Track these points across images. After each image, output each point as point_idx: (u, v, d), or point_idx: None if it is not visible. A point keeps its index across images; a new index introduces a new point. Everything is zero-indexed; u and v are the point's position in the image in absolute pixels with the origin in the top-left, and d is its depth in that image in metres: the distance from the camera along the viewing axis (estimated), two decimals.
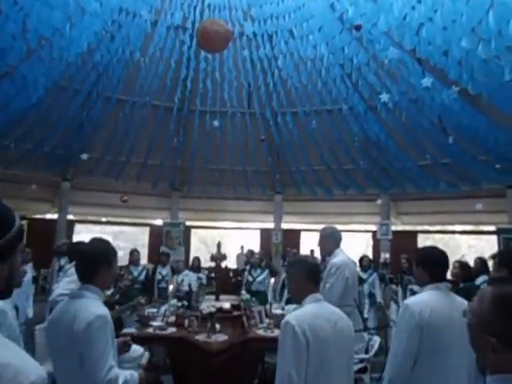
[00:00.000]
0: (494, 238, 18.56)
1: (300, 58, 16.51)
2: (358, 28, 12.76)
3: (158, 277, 12.83)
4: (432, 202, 19.93)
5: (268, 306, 8.59)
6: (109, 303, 5.35)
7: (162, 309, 8.24)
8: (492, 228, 19.19)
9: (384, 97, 15.16)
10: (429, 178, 18.46)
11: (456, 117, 14.78)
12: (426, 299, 3.82)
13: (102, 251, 3.79)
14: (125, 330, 6.60)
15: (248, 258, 14.29)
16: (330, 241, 6.61)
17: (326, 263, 6.66)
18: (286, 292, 12.54)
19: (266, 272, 12.54)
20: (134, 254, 12.06)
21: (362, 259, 13.51)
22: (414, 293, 9.62)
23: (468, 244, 21.95)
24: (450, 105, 14.26)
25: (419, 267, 4.00)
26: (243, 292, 9.31)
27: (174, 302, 8.34)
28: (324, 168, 20.16)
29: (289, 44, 16.35)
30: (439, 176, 18.09)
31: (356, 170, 19.67)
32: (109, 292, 6.44)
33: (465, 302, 3.72)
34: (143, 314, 7.64)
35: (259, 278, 12.13)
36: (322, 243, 6.69)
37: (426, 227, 22.49)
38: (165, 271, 12.97)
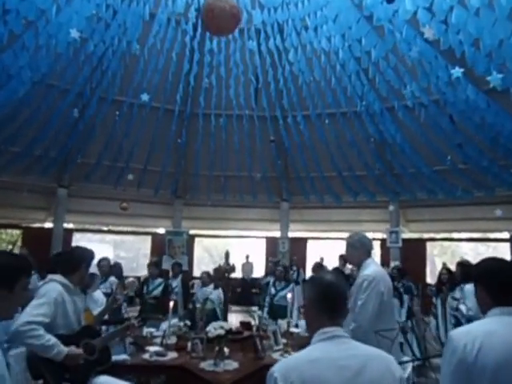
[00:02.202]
0: (503, 245, 18.37)
1: (313, 51, 14.90)
2: (390, 1, 10.89)
3: (169, 289, 11.14)
4: (441, 208, 18.85)
5: (284, 324, 7.53)
6: (96, 323, 5.36)
7: (163, 326, 7.29)
8: (502, 235, 18.90)
9: (408, 92, 13.99)
10: (443, 184, 17.19)
11: (479, 116, 13.66)
12: (477, 330, 2.75)
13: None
14: (115, 357, 5.40)
15: (272, 269, 12.99)
16: (360, 249, 5.51)
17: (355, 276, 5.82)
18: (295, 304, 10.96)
19: (292, 285, 10.79)
20: (149, 268, 10.77)
21: (391, 270, 12.15)
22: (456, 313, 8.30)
23: (476, 252, 20.46)
24: (474, 103, 13.12)
25: (479, 286, 2.96)
26: (254, 308, 8.73)
27: (175, 321, 7.43)
28: (335, 174, 18.85)
29: (301, 35, 14.69)
30: (454, 182, 16.89)
31: (368, 175, 18.45)
32: (99, 309, 6.04)
33: None
34: (139, 335, 6.69)
35: (283, 292, 10.34)
36: (349, 253, 5.67)
37: (433, 235, 21.21)
38: (175, 283, 11.36)
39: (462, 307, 7.74)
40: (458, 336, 2.75)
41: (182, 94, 16.81)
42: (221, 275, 11.47)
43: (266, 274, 13.46)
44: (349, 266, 12.28)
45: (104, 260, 9.33)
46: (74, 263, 4.70)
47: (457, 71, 11.97)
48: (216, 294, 9.84)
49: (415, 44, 12.26)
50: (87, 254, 4.92)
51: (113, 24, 13.82)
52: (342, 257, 13.31)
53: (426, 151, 16.17)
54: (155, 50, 15.10)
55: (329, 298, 2.67)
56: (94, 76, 15.30)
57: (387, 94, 14.78)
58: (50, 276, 4.57)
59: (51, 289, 4.50)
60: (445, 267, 11.20)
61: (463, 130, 14.68)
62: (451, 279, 9.15)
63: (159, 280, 10.50)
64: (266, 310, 9.76)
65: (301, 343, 5.87)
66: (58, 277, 4.54)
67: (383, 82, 14.44)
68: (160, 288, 10.34)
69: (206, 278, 10.45)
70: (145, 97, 15.39)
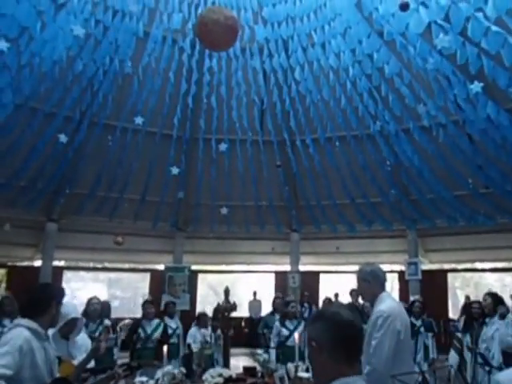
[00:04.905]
0: None
1: (320, 69, 14.97)
2: (404, 7, 10.72)
3: (169, 331, 10.83)
4: (463, 236, 18.56)
5: (292, 368, 6.71)
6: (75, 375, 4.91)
7: (158, 374, 6.64)
8: None
9: (421, 109, 13.85)
10: (464, 210, 17.08)
11: (500, 135, 13.67)
12: None
13: None
14: None
15: (280, 306, 12.25)
16: (372, 282, 5.21)
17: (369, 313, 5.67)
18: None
19: (303, 324, 10.27)
20: (145, 307, 10.37)
21: (412, 304, 11.65)
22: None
23: (502, 283, 20.20)
24: (495, 121, 13.12)
25: None
26: (259, 351, 7.97)
27: (169, 368, 6.74)
28: (347, 202, 18.75)
29: (307, 51, 14.75)
30: (476, 207, 16.73)
31: (383, 202, 18.39)
32: (80, 357, 5.44)
33: None
34: None
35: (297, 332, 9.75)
36: (361, 287, 5.37)
37: (454, 265, 20.90)
38: (174, 324, 11.16)
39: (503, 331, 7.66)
40: (507, 380, 2.63)
41: (180, 116, 16.65)
42: (220, 315, 11.24)
43: (273, 312, 13.19)
44: (361, 302, 11.97)
45: (94, 299, 9.06)
46: (43, 303, 4.31)
47: (476, 86, 11.94)
48: (214, 337, 9.77)
49: (430, 58, 12.29)
50: (56, 291, 4.61)
51: (103, 41, 13.80)
52: (353, 291, 13.08)
53: (445, 175, 16.12)
54: (150, 69, 15.12)
55: (348, 341, 2.40)
56: (83, 98, 15.23)
57: (401, 113, 14.78)
58: (15, 321, 4.27)
59: (16, 335, 4.14)
60: (476, 300, 11.03)
61: (484, 150, 14.68)
62: (483, 313, 8.90)
63: (156, 321, 10.27)
64: (272, 352, 9.37)
65: None
66: (25, 321, 4.17)
67: (397, 101, 14.43)
68: (160, 329, 10.10)
69: (204, 319, 10.30)
70: (138, 120, 15.32)
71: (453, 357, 10.01)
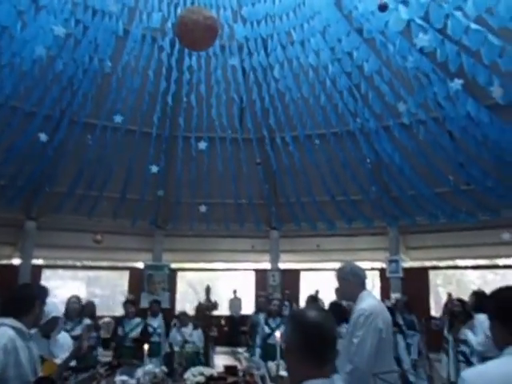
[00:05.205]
0: None
1: (300, 67, 15.12)
2: (382, 8, 10.78)
3: (149, 330, 10.83)
4: (444, 233, 18.65)
5: (274, 366, 6.82)
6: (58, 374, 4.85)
7: (139, 373, 6.60)
8: (511, 261, 18.44)
9: (401, 106, 13.88)
10: (445, 207, 17.19)
11: (481, 132, 13.83)
12: (493, 371, 2.58)
13: None
14: None
15: (264, 305, 12.38)
16: (352, 281, 5.25)
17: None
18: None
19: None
20: (125, 306, 10.68)
21: (396, 302, 12.00)
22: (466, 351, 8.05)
23: (484, 280, 20.27)
24: (475, 118, 13.23)
25: (496, 321, 2.78)
26: (240, 350, 8.50)
27: (150, 367, 6.76)
28: (327, 199, 18.80)
29: (287, 50, 14.93)
30: (457, 204, 16.87)
31: (364, 199, 18.49)
32: (62, 356, 5.39)
33: None
34: None
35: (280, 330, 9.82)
36: (342, 286, 5.39)
37: (436, 263, 20.77)
38: (156, 323, 11.07)
39: (472, 338, 7.50)
40: (472, 378, 2.60)
41: (160, 115, 16.79)
42: (201, 314, 11.22)
43: (257, 311, 13.20)
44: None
45: (73, 298, 8.90)
46: (27, 303, 4.25)
47: (456, 83, 12.08)
48: (197, 336, 9.74)
49: (410, 56, 12.40)
50: (40, 291, 4.63)
51: (83, 41, 13.86)
52: (337, 290, 12.98)
53: (426, 172, 16.24)
54: (130, 68, 15.20)
55: (316, 343, 2.37)
56: (63, 97, 15.25)
57: (381, 111, 14.88)
58: None
59: (0, 335, 4.08)
60: (457, 298, 11.04)
61: (465, 148, 14.81)
62: (465, 312, 8.80)
63: (137, 320, 10.33)
64: (257, 351, 9.43)
65: None
66: (9, 320, 4.09)
67: (377, 98, 14.56)
68: (139, 329, 10.16)
69: (185, 318, 10.32)
70: (118, 118, 15.35)
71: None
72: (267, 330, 9.98)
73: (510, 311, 2.70)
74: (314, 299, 11.63)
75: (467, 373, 2.66)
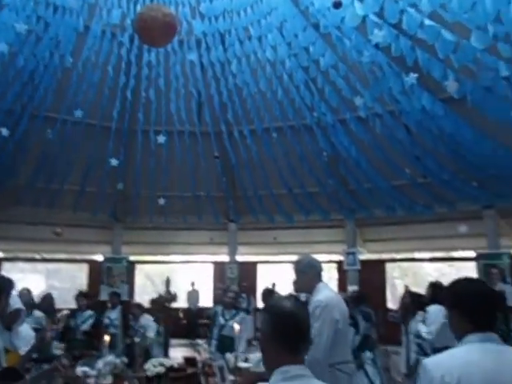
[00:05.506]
0: (468, 264, 18.26)
1: (257, 62, 15.36)
2: (337, 5, 11.08)
3: (106, 321, 11.06)
4: (401, 226, 18.82)
5: (232, 358, 7.01)
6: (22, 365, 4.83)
7: (99, 364, 6.53)
8: (467, 254, 18.80)
9: (358, 100, 14.06)
10: (402, 200, 17.40)
11: (437, 126, 14.12)
12: (454, 359, 2.77)
13: None
14: None
15: (220, 297, 12.62)
16: (310, 274, 5.40)
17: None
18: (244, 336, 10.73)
19: (241, 314, 10.46)
20: (78, 299, 10.79)
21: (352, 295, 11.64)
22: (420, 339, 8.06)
23: (440, 272, 20.28)
24: (431, 112, 13.48)
25: (455, 311, 2.94)
26: (200, 342, 7.70)
27: (110, 358, 6.68)
28: (284, 192, 18.92)
29: (244, 45, 15.19)
30: (414, 197, 17.17)
31: (321, 192, 18.56)
32: (24, 348, 5.31)
33: None
34: (72, 376, 6.05)
35: (232, 322, 9.87)
36: (299, 279, 5.53)
37: (393, 255, 20.96)
38: (114, 315, 11.20)
39: (423, 329, 7.63)
40: (434, 366, 2.75)
41: (119, 109, 16.88)
42: (160, 306, 11.29)
43: (215, 303, 13.31)
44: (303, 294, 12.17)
45: (24, 290, 9.03)
46: None
47: (411, 77, 12.21)
48: (150, 327, 9.88)
49: (366, 51, 12.55)
50: (6, 283, 4.63)
51: (45, 37, 13.88)
52: (295, 282, 12.97)
53: (383, 165, 16.37)
54: (90, 63, 15.24)
55: (289, 332, 2.46)
56: (24, 92, 15.23)
57: (338, 104, 15.03)
58: None
59: None
60: (407, 290, 11.27)
61: (421, 141, 14.99)
62: (416, 304, 8.87)
63: (89, 312, 10.43)
64: (214, 343, 9.49)
65: (250, 380, 5.79)
66: None
67: (333, 93, 14.70)
68: (90, 321, 10.25)
69: (136, 310, 10.42)
70: (78, 113, 15.46)
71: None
72: (222, 321, 10.02)
73: (467, 301, 2.84)
74: (270, 292, 11.76)
75: (429, 361, 2.82)
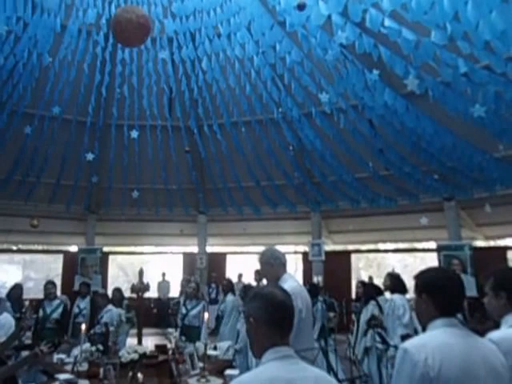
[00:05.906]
0: (430, 255, 18.91)
1: (226, 59, 15.67)
2: (301, 7, 11.45)
3: (76, 310, 11.42)
4: (365, 218, 19.32)
5: (202, 346, 7.17)
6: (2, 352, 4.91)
7: (75, 352, 6.97)
8: (429, 245, 19.46)
9: (324, 97, 14.36)
10: (365, 192, 17.94)
11: (398, 120, 14.45)
12: (433, 342, 2.87)
13: None
14: None
15: (183, 287, 13.19)
16: (275, 265, 5.46)
17: None
18: (222, 326, 11.40)
19: (203, 304, 10.84)
20: (47, 287, 10.36)
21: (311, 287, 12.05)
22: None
23: (404, 263, 21.20)
24: (393, 107, 13.88)
25: (424, 297, 3.05)
26: (170, 330, 8.36)
27: (86, 345, 6.94)
28: (253, 184, 19.43)
29: (214, 43, 15.38)
30: (377, 189, 17.71)
31: (287, 185, 19.10)
32: (3, 336, 5.84)
33: (489, 344, 2.97)
34: (50, 362, 6.52)
35: (194, 311, 10.36)
36: (264, 270, 5.62)
37: (358, 246, 21.61)
38: (83, 304, 11.51)
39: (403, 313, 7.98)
40: (415, 349, 2.83)
41: (94, 105, 17.12)
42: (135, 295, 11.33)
43: (181, 293, 13.73)
44: (264, 282, 12.45)
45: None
46: None
47: (374, 74, 12.77)
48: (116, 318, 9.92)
49: (330, 49, 12.96)
50: None
51: (24, 37, 14.23)
52: (258, 272, 12.47)
53: (347, 158, 16.84)
54: (66, 61, 15.59)
55: (280, 317, 2.72)
56: (4, 89, 15.53)
57: (304, 100, 15.53)
58: None
59: None
60: (359, 281, 11.79)
61: (384, 135, 15.47)
62: (368, 293, 9.53)
63: (57, 301, 10.38)
64: (177, 331, 9.11)
65: (218, 367, 6.43)
66: None
67: (299, 88, 15.13)
68: (60, 310, 10.21)
69: (99, 299, 10.51)
70: (56, 109, 15.90)
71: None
72: (184, 311, 10.39)
73: (434, 288, 3.01)
74: (229, 282, 12.27)
75: (410, 344, 2.92)
